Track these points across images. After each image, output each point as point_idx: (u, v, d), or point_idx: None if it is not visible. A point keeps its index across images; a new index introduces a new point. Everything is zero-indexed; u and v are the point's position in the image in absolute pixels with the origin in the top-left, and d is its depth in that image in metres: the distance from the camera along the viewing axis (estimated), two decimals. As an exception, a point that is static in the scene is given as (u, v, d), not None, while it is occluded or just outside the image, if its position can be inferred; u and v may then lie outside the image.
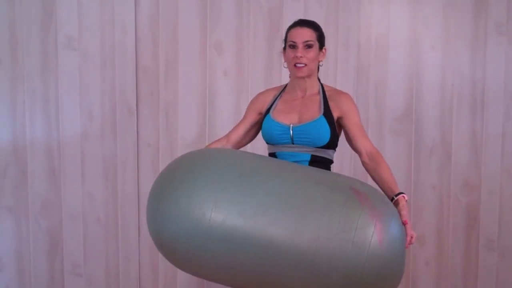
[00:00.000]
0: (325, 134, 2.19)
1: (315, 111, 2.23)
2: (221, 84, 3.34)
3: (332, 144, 2.24)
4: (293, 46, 2.22)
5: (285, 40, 2.28)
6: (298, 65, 2.21)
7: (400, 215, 1.95)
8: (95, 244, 3.34)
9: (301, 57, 2.20)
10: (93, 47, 3.26)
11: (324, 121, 2.20)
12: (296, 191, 1.90)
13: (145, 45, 3.29)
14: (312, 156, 2.21)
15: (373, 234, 1.79)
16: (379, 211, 1.84)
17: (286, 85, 2.37)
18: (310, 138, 2.19)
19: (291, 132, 2.21)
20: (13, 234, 3.31)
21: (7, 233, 3.30)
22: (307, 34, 2.21)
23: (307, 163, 2.21)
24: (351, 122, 2.23)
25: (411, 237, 1.94)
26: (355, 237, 1.79)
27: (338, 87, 2.46)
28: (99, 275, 3.35)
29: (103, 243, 3.35)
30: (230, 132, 2.39)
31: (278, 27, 3.33)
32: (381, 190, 2.07)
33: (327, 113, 2.22)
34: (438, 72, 3.44)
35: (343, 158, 3.24)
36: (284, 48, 2.29)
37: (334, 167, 2.34)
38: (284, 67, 2.33)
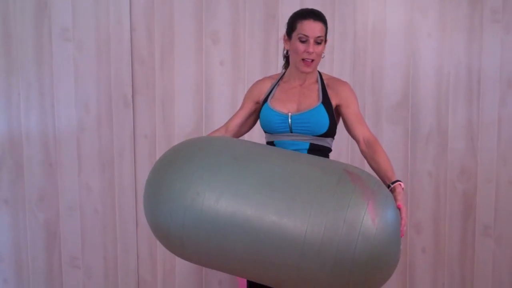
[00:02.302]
0: (324, 122, 2.19)
1: (313, 99, 2.23)
2: (217, 74, 3.33)
3: (330, 132, 2.24)
4: (305, 40, 2.18)
5: (291, 27, 2.23)
6: (307, 60, 2.19)
7: (395, 200, 1.93)
8: (92, 236, 3.33)
9: (312, 52, 2.18)
10: (87, 38, 3.23)
11: (323, 110, 2.19)
12: (289, 173, 1.88)
13: (141, 35, 3.27)
14: (311, 144, 2.21)
15: (365, 212, 1.76)
16: (372, 191, 1.82)
17: (283, 73, 2.36)
18: (309, 127, 2.19)
19: (289, 120, 2.20)
20: (10, 227, 3.29)
21: (4, 226, 3.29)
22: (319, 30, 2.18)
23: (306, 151, 2.21)
24: (350, 110, 2.23)
25: (405, 224, 1.90)
26: (347, 215, 1.75)
27: (334, 76, 2.46)
28: (97, 266, 3.35)
29: (101, 235, 3.34)
30: (228, 122, 2.38)
31: (274, 16, 3.31)
32: (376, 176, 2.07)
33: (326, 101, 2.22)
34: (435, 60, 3.45)
35: (340, 146, 3.24)
36: (289, 35, 2.25)
37: (332, 155, 2.35)
38: (285, 54, 2.30)
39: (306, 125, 2.19)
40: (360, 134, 2.19)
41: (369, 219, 1.76)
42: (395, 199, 1.93)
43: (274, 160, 1.95)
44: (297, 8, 3.27)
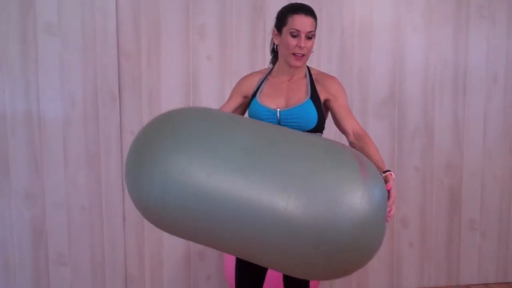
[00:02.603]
0: (313, 117, 2.19)
1: (302, 94, 2.22)
2: (204, 68, 3.31)
3: (319, 127, 2.24)
4: (296, 35, 2.17)
5: (282, 22, 2.21)
6: (298, 54, 2.19)
7: (386, 182, 1.92)
8: (79, 233, 3.31)
9: (304, 47, 2.17)
10: (73, 33, 3.20)
11: (311, 105, 2.19)
12: (275, 141, 1.83)
13: (127, 30, 3.24)
14: None
15: (358, 172, 1.72)
16: (366, 162, 1.81)
17: (272, 68, 2.35)
18: (297, 122, 2.19)
19: (278, 116, 2.20)
20: (-5, 224, 3.26)
21: (-11, 223, 3.25)
22: (310, 25, 2.17)
23: None
24: (338, 104, 2.23)
25: (391, 209, 1.88)
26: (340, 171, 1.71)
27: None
28: (84, 263, 3.33)
29: (88, 232, 3.32)
30: None
31: (261, 9, 3.30)
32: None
33: (314, 96, 2.21)
34: (421, 56, 3.47)
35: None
36: (278, 29, 2.23)
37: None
38: (275, 49, 2.29)
39: (294, 120, 2.19)
40: (350, 127, 2.19)
41: (360, 177, 1.72)
42: (386, 183, 1.92)
43: (257, 130, 1.90)
44: (284, 1, 3.28)
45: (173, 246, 3.36)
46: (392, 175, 1.99)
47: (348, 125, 2.20)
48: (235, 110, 2.37)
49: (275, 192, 1.71)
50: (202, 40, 3.30)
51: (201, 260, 3.42)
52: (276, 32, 2.25)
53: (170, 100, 3.30)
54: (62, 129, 3.23)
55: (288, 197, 1.70)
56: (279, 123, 2.20)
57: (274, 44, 2.31)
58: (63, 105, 3.22)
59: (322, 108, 2.23)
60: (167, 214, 1.87)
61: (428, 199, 3.55)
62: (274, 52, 2.35)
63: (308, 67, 2.31)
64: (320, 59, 3.34)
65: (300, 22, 2.16)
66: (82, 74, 3.22)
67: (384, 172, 2.01)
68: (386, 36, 3.43)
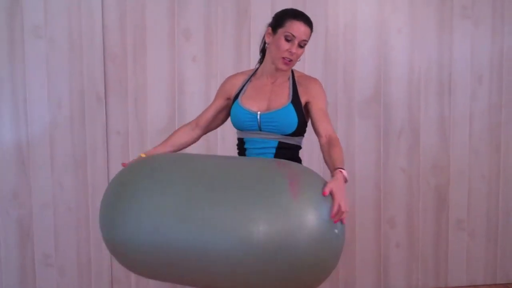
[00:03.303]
0: (293, 122, 2.20)
1: (284, 98, 2.23)
2: (190, 70, 3.34)
3: (299, 132, 2.25)
4: (290, 40, 2.18)
5: (279, 23, 2.21)
6: (286, 59, 2.19)
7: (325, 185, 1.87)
8: (66, 234, 3.32)
9: (294, 53, 2.18)
10: (60, 35, 3.23)
11: (291, 109, 2.20)
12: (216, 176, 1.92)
13: (113, 32, 3.27)
14: (280, 142, 2.22)
15: (287, 189, 1.76)
16: (296, 173, 1.84)
17: (256, 69, 2.36)
18: (277, 126, 2.19)
19: (258, 119, 2.21)
20: (-18, 225, 3.27)
21: (-24, 224, 3.27)
22: (306, 34, 2.19)
23: (274, 149, 2.22)
24: (316, 107, 2.23)
25: (339, 207, 1.82)
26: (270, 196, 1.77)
27: (306, 72, 2.46)
28: (70, 265, 3.33)
29: (74, 233, 3.33)
30: (199, 116, 2.40)
31: (246, 10, 3.33)
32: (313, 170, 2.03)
33: (295, 100, 2.22)
34: (406, 56, 3.48)
35: (312, 143, 3.25)
36: (274, 29, 2.23)
37: (303, 152, 2.35)
38: (265, 47, 2.30)
39: (274, 124, 2.20)
40: (323, 131, 2.18)
41: (290, 194, 1.76)
42: (326, 185, 1.87)
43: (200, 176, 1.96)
44: (269, 3, 3.31)
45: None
46: (342, 172, 1.94)
47: (322, 129, 2.19)
48: (219, 113, 2.40)
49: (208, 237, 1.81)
50: (187, 42, 3.32)
51: (188, 262, 3.42)
52: (270, 31, 2.25)
53: (156, 101, 3.32)
54: (49, 130, 3.25)
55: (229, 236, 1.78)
56: (259, 126, 2.21)
57: (264, 43, 2.32)
58: (50, 106, 3.24)
59: (303, 112, 2.24)
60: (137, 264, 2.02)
61: (415, 200, 3.55)
62: (263, 52, 2.36)
63: (292, 70, 2.32)
64: (305, 59, 3.35)
65: (298, 28, 2.17)
66: (69, 76, 3.25)
67: (336, 169, 1.97)
68: (371, 37, 3.44)
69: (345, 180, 1.94)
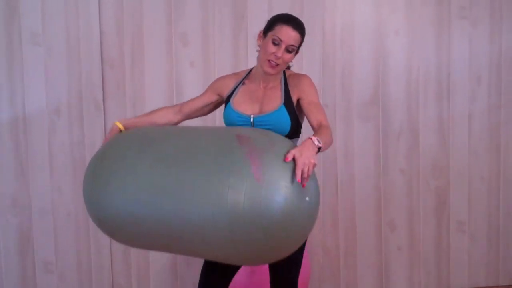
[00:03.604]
0: (286, 124, 2.19)
1: (276, 101, 2.23)
2: (188, 75, 3.34)
3: (294, 133, 2.24)
4: (277, 43, 2.17)
5: (269, 27, 2.22)
6: (272, 62, 2.19)
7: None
8: (66, 240, 3.32)
9: (280, 58, 2.18)
10: (57, 42, 3.24)
11: (284, 111, 2.19)
12: (184, 149, 1.99)
13: (110, 38, 3.28)
14: None
15: (249, 171, 1.79)
16: (259, 149, 1.85)
17: (249, 71, 2.37)
18: (270, 129, 2.18)
19: (252, 121, 2.21)
20: (-18, 232, 3.28)
21: (-24, 231, 3.27)
22: (294, 39, 2.18)
23: None
24: (308, 100, 2.22)
25: (303, 171, 1.84)
26: (231, 180, 1.79)
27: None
28: (71, 271, 3.33)
29: (74, 238, 3.33)
30: (185, 103, 2.42)
31: (243, 15, 3.34)
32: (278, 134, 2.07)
33: (288, 101, 2.21)
34: (404, 57, 3.47)
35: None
36: (264, 32, 2.24)
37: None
38: (256, 50, 2.31)
39: (267, 126, 2.19)
40: (315, 120, 2.16)
41: (254, 179, 1.78)
42: (289, 151, 1.89)
43: (168, 144, 2.05)
44: (266, 8, 3.32)
45: (160, 253, 3.36)
46: (312, 139, 1.94)
47: (314, 118, 2.17)
48: (205, 106, 2.40)
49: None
50: (185, 47, 3.33)
51: (188, 267, 3.42)
52: (261, 34, 2.26)
53: (154, 107, 3.26)
54: (48, 136, 3.26)
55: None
56: None
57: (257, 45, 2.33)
58: (49, 112, 3.26)
59: (297, 112, 2.24)
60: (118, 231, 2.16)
61: (415, 202, 3.53)
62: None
63: (284, 72, 2.31)
64: (302, 62, 3.35)
65: (286, 33, 2.17)
66: (67, 83, 3.26)
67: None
68: (368, 39, 3.44)
69: (318, 148, 1.94)
